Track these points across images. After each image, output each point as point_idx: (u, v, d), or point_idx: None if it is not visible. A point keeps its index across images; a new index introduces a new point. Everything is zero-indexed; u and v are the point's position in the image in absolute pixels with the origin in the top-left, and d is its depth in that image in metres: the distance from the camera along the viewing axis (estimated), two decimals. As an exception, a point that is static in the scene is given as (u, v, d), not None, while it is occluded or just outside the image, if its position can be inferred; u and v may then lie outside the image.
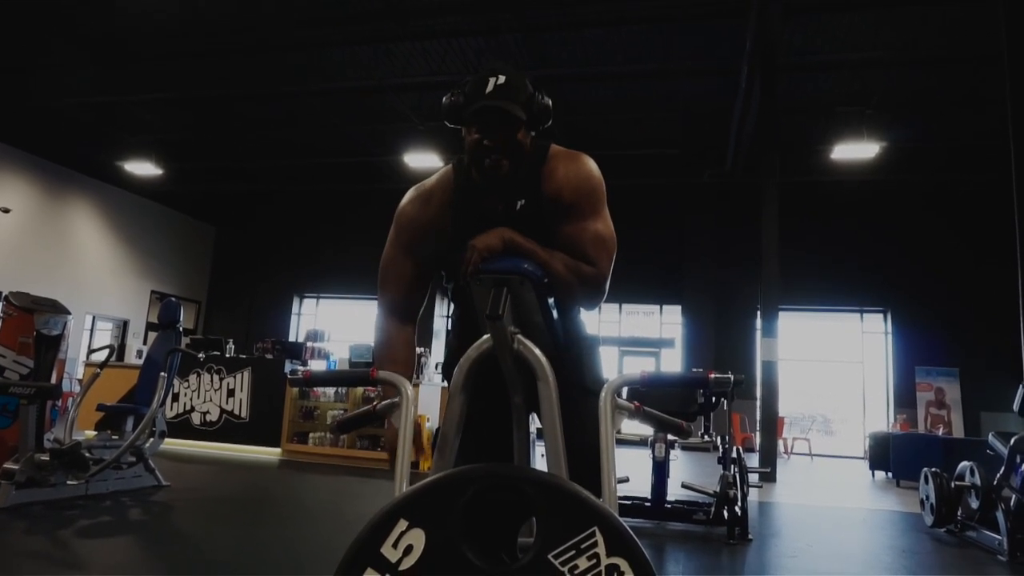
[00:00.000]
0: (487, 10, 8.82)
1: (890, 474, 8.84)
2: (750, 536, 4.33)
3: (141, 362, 5.86)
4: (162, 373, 4.96)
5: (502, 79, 1.54)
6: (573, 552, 1.08)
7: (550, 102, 1.61)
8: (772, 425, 8.73)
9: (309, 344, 9.02)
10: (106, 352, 5.57)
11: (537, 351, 1.45)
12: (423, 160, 12.01)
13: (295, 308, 17.05)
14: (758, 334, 9.93)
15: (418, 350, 8.70)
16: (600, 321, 14.71)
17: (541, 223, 1.59)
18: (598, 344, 1.84)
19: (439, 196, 1.71)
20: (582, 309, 1.76)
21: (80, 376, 11.60)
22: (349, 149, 13.60)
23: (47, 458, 4.19)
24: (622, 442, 11.10)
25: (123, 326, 15.40)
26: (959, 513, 4.88)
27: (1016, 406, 4.84)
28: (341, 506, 5.22)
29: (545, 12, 8.84)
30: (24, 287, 5.64)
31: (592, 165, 1.65)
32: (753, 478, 5.83)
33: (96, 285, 14.48)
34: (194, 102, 11.97)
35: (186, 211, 16.77)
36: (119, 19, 9.32)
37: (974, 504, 4.70)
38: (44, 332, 4.58)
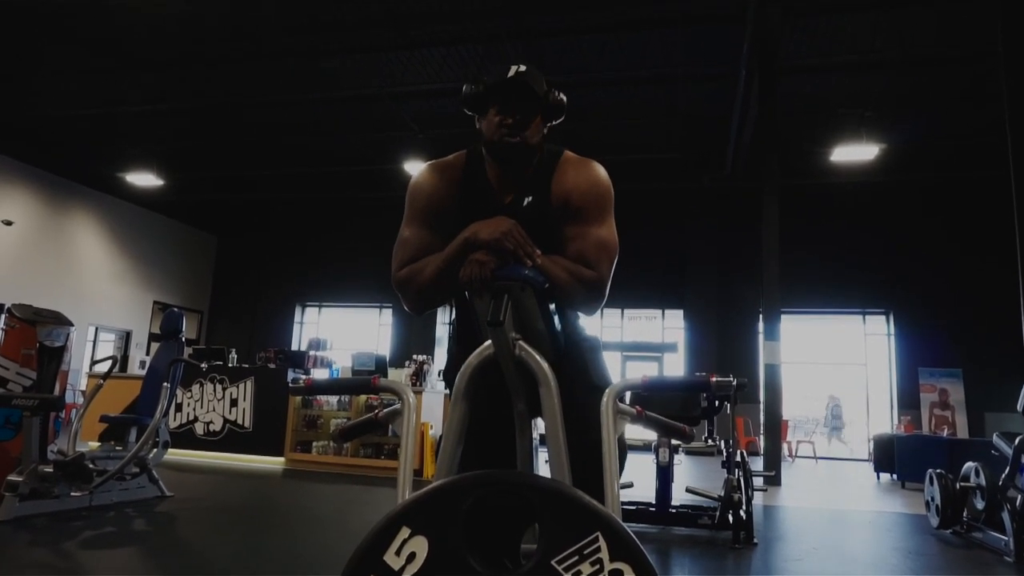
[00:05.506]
0: (486, 17, 8.84)
1: (895, 476, 8.81)
2: (755, 540, 4.31)
3: (144, 373, 5.87)
4: (165, 383, 4.96)
5: (523, 68, 1.63)
6: (576, 558, 1.08)
7: (564, 99, 1.68)
8: (776, 428, 8.72)
9: (311, 353, 9.03)
10: (109, 363, 5.60)
11: (539, 357, 1.45)
12: (423, 169, 12.02)
13: (297, 317, 17.07)
14: (760, 337, 9.92)
15: (420, 357, 8.65)
16: (602, 326, 14.71)
17: (545, 223, 1.62)
18: (599, 345, 1.85)
19: (450, 173, 1.73)
20: (580, 314, 1.77)
21: (83, 387, 11.63)
22: (349, 158, 13.63)
23: (51, 470, 4.19)
24: (627, 447, 11.04)
25: (126, 337, 15.43)
26: (965, 514, 4.86)
27: (1020, 406, 4.83)
28: (345, 514, 5.21)
29: (544, 18, 8.87)
30: (26, 299, 5.65)
31: (603, 172, 1.70)
32: (757, 481, 5.80)
33: (98, 296, 14.51)
34: (194, 111, 12.01)
35: (187, 221, 16.83)
36: (117, 28, 9.33)
37: (980, 505, 4.68)
38: (47, 344, 4.58)
